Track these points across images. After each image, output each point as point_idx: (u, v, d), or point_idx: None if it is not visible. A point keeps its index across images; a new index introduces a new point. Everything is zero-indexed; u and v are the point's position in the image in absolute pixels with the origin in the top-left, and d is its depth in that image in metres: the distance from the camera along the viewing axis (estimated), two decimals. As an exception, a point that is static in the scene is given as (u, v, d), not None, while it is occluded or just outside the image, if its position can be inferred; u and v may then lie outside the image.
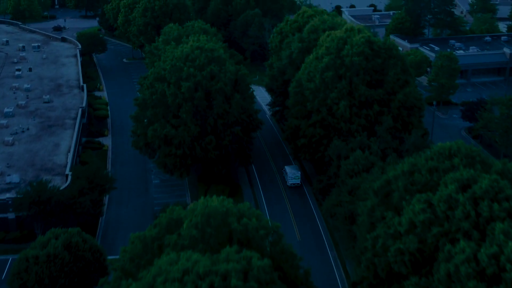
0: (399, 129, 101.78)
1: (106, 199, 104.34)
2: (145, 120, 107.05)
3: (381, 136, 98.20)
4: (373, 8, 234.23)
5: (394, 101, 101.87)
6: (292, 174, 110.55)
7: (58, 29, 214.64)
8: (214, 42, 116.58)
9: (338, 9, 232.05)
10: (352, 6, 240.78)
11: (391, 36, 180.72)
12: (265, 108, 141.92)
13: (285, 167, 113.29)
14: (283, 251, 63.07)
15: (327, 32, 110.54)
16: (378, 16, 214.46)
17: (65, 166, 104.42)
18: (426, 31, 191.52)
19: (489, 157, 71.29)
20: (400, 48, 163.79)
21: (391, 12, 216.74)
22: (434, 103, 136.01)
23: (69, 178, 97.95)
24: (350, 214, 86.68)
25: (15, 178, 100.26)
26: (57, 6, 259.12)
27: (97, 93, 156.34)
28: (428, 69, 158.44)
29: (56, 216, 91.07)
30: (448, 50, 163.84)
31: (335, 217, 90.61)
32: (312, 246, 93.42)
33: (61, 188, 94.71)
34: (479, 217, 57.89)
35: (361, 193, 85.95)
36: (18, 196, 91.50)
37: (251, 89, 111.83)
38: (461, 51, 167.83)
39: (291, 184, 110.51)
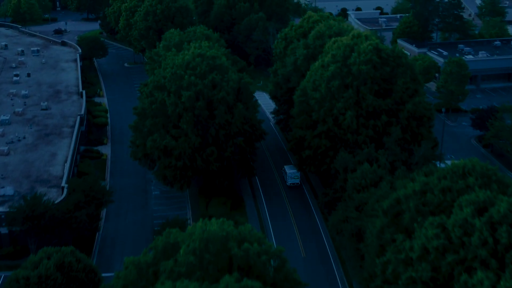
0: (408, 140, 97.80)
1: (103, 212, 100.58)
2: (145, 130, 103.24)
3: (389, 148, 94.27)
4: (379, 11, 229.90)
5: (403, 111, 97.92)
6: (292, 174, 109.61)
7: (59, 32, 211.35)
8: (217, 48, 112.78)
9: (344, 12, 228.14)
10: (358, 9, 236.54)
11: (399, 41, 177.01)
12: (269, 115, 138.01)
13: (285, 166, 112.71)
14: (286, 278, 59.25)
15: (333, 39, 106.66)
16: (385, 20, 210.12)
17: (62, 178, 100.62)
18: (434, 35, 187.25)
19: (505, 176, 66.85)
20: (408, 53, 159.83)
21: (398, 15, 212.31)
22: (443, 110, 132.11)
23: (65, 191, 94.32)
24: (357, 231, 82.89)
25: (9, 190, 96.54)
26: (58, 8, 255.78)
27: (97, 99, 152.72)
28: (437, 74, 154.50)
29: (51, 231, 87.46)
30: (457, 55, 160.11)
31: (342, 234, 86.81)
32: (318, 263, 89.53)
33: (56, 201, 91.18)
34: (497, 244, 53.99)
35: (369, 209, 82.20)
36: (11, 210, 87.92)
37: (255, 98, 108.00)
38: (470, 56, 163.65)
39: (290, 183, 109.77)
